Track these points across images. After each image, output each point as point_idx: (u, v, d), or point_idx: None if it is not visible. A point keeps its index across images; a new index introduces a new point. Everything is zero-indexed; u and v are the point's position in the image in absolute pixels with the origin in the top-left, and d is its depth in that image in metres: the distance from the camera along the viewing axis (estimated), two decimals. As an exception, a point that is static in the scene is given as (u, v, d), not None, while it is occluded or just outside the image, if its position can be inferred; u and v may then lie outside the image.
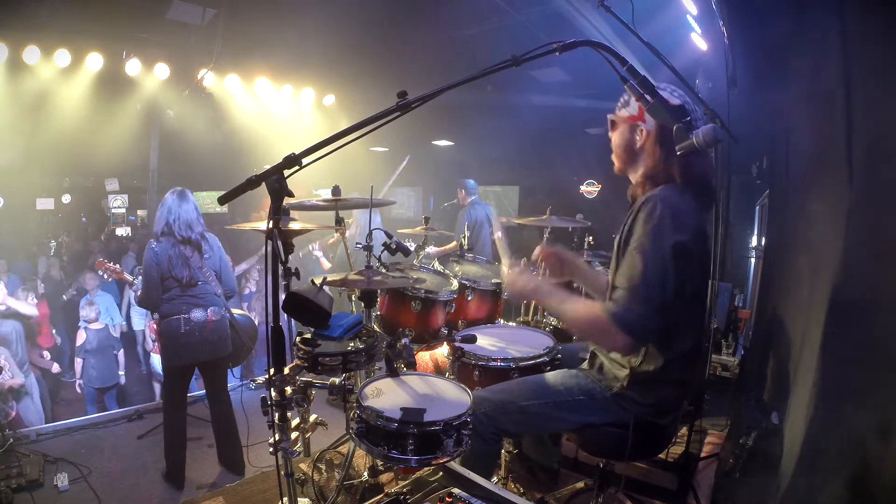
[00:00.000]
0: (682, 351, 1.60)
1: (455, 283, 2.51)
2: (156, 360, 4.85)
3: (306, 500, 2.26)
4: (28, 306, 4.57)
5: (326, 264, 5.76)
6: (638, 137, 1.63)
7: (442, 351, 2.68)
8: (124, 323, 5.45)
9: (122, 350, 4.91)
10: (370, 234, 2.27)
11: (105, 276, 4.72)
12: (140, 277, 3.53)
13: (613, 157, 1.73)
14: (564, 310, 1.61)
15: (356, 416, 1.57)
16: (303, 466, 2.54)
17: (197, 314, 3.08)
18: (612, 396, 1.65)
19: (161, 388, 4.46)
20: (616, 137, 1.69)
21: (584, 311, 1.54)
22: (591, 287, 2.01)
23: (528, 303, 3.29)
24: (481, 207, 5.66)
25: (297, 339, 1.96)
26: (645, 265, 1.44)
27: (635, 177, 1.68)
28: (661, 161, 1.59)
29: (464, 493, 1.34)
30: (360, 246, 2.31)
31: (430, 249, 4.82)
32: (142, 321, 5.45)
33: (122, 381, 4.89)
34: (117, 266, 3.96)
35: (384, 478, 2.42)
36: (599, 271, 2.27)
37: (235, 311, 3.47)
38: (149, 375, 5.19)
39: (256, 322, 4.15)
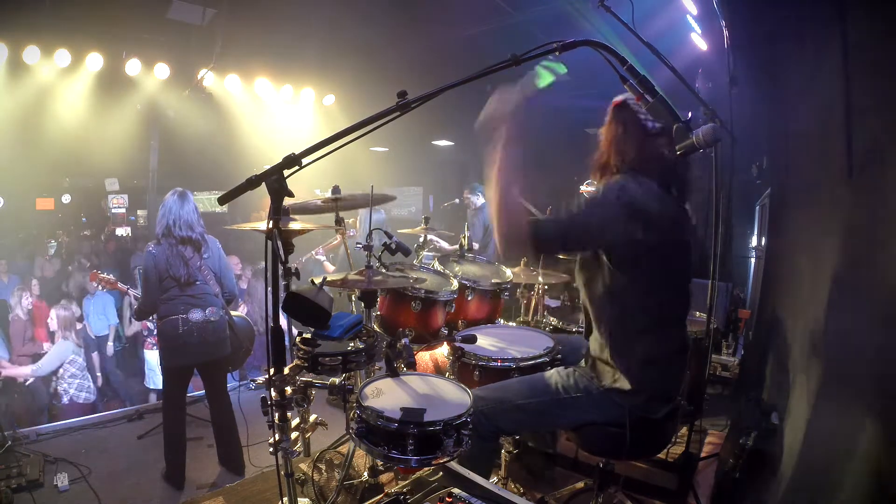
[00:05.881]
0: (658, 335, 1.63)
1: (455, 283, 2.51)
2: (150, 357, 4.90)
3: (306, 500, 2.26)
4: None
5: (330, 267, 5.76)
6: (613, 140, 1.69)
7: (442, 351, 2.68)
8: (118, 323, 5.48)
9: (97, 352, 5.09)
10: (370, 233, 2.27)
11: (100, 288, 4.79)
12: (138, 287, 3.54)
13: (596, 164, 1.77)
14: (497, 199, 1.61)
15: (356, 416, 1.57)
16: (303, 466, 2.55)
17: (195, 315, 3.07)
18: (604, 391, 1.66)
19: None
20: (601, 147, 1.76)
21: (514, 212, 1.60)
22: None
23: (527, 303, 3.29)
24: None
25: (297, 338, 1.96)
26: (576, 211, 1.58)
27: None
28: (626, 150, 1.65)
29: (464, 493, 1.34)
30: (360, 246, 2.31)
31: (443, 244, 4.84)
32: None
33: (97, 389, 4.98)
34: (111, 276, 3.97)
35: (384, 478, 2.42)
36: None
37: (234, 314, 3.46)
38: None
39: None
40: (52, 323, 4.59)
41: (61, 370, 4.55)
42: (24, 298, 4.91)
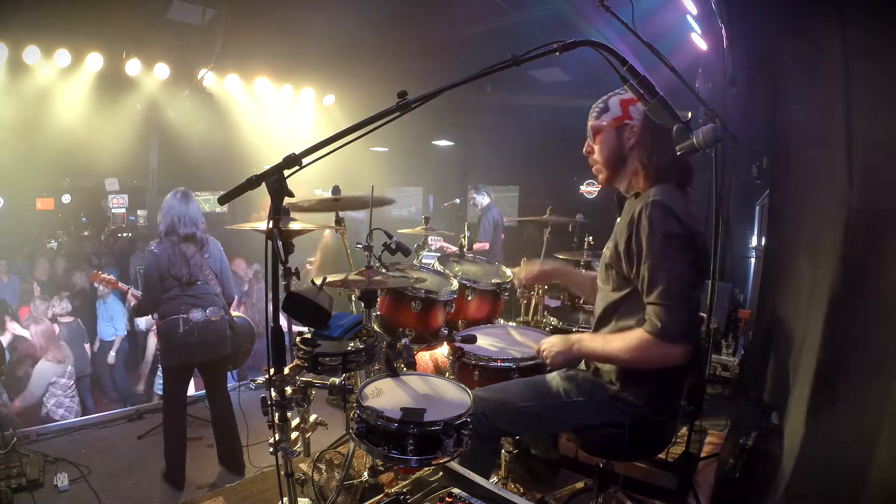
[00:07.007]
0: None
1: (455, 283, 2.51)
2: None
3: (306, 500, 2.26)
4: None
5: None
6: (628, 136, 1.61)
7: (442, 351, 2.68)
8: (125, 334, 5.49)
9: (89, 343, 5.14)
10: (370, 233, 2.27)
11: (101, 288, 4.77)
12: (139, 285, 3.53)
13: (599, 170, 1.69)
14: (610, 351, 1.60)
15: (356, 416, 1.57)
16: (303, 466, 2.54)
17: (196, 314, 3.07)
18: (608, 398, 1.65)
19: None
20: (601, 146, 1.65)
21: (632, 342, 1.52)
22: (575, 285, 2.21)
23: (528, 303, 3.30)
24: (497, 210, 5.77)
25: (297, 338, 1.96)
26: (669, 274, 1.46)
27: (624, 182, 1.67)
28: (652, 154, 1.57)
29: (464, 493, 1.34)
30: (361, 246, 2.31)
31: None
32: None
33: (89, 370, 5.08)
34: (111, 276, 3.96)
35: (384, 478, 2.42)
36: (589, 272, 2.37)
37: (234, 314, 3.47)
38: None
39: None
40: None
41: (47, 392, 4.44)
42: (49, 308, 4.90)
